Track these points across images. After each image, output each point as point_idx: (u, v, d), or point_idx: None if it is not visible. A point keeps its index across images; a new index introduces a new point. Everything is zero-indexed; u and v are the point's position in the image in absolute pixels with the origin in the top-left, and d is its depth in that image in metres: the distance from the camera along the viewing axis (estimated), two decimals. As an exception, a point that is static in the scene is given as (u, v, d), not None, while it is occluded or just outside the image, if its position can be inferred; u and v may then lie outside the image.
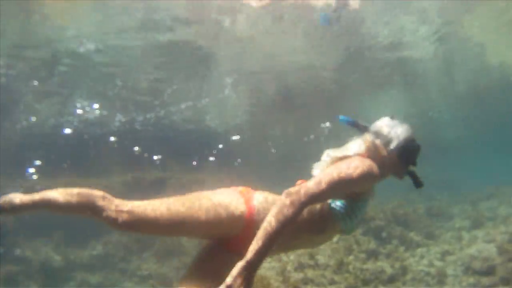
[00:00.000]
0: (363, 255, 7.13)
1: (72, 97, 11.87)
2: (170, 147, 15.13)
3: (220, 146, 17.25)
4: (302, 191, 2.00)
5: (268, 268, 6.57)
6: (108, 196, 2.25)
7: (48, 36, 8.39)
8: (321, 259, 6.74)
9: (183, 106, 13.24)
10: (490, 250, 6.91)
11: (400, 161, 2.30)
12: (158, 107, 13.35)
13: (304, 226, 2.25)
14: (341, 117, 2.44)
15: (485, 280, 6.15)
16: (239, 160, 17.97)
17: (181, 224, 2.19)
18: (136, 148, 14.84)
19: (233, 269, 1.88)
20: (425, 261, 7.33)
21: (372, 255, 7.19)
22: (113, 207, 2.19)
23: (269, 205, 2.17)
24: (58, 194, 2.25)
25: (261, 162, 19.43)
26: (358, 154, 2.22)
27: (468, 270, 6.63)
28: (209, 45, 9.30)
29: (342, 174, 2.07)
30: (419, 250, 7.95)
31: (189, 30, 8.49)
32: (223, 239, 2.28)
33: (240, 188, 2.36)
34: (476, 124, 19.29)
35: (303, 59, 10.80)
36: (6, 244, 9.31)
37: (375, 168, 2.15)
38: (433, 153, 23.38)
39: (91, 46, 9.01)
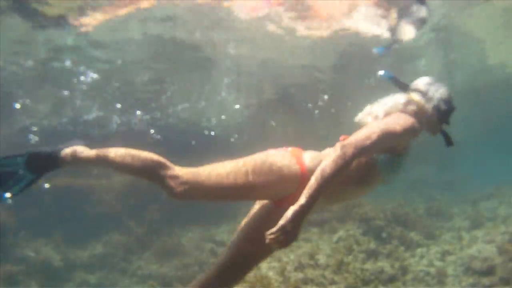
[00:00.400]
0: (363, 255, 7.13)
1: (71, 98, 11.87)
2: (169, 146, 15.11)
3: (220, 146, 17.26)
4: (353, 144, 2.15)
5: (268, 268, 6.57)
6: (168, 164, 2.32)
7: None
8: (321, 259, 6.74)
9: (180, 107, 13.25)
10: (490, 250, 6.91)
11: (438, 119, 2.44)
12: (156, 109, 13.38)
13: (351, 178, 2.38)
14: (383, 72, 2.56)
15: (485, 280, 6.15)
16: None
17: (239, 189, 2.29)
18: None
19: (286, 212, 2.04)
20: (425, 261, 7.33)
21: (372, 255, 7.19)
22: (172, 177, 2.26)
23: (319, 162, 2.24)
24: (118, 155, 2.32)
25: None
26: (400, 111, 2.37)
27: (468, 270, 6.63)
28: (208, 47, 9.31)
29: (389, 128, 2.23)
30: (419, 250, 7.94)
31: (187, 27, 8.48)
32: (276, 199, 2.39)
33: (290, 149, 2.48)
34: (476, 124, 19.30)
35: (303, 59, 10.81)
36: (6, 244, 9.32)
37: (416, 124, 2.30)
38: (433, 153, 23.38)
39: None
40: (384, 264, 6.72)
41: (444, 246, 8.03)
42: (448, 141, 2.53)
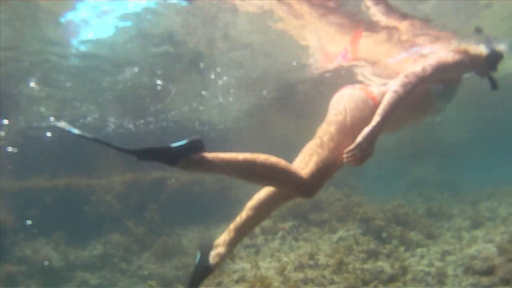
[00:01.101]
0: (363, 255, 7.13)
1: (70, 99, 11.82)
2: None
3: (220, 145, 17.25)
4: (414, 74, 2.57)
5: (268, 268, 6.58)
6: (297, 171, 2.42)
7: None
8: (321, 259, 6.75)
9: (185, 108, 13.23)
10: (490, 250, 6.90)
11: (488, 64, 3.04)
12: (156, 111, 13.35)
13: (411, 105, 2.76)
14: None
15: (485, 280, 6.15)
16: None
17: (347, 143, 2.50)
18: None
19: (362, 132, 2.42)
20: (425, 261, 7.33)
21: (372, 255, 7.19)
22: (302, 184, 2.36)
23: (384, 92, 2.67)
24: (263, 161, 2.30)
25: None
26: (459, 50, 2.88)
27: (468, 270, 6.63)
28: (207, 49, 9.24)
29: (442, 60, 2.70)
30: (419, 250, 7.95)
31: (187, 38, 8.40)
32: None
33: (358, 86, 2.82)
34: (476, 124, 19.29)
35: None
36: (6, 244, 9.32)
37: (465, 59, 2.82)
38: (434, 153, 23.41)
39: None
40: (384, 264, 6.71)
41: (444, 246, 8.03)
42: (494, 85, 3.10)
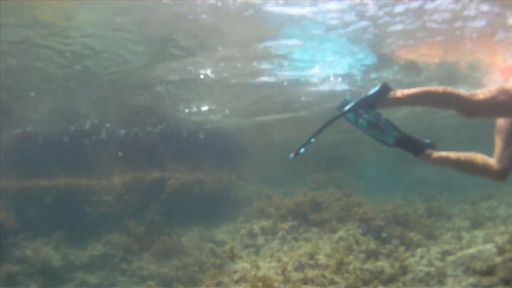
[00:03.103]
0: (363, 255, 7.13)
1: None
2: (169, 147, 15.14)
3: (221, 146, 17.27)
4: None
5: (268, 268, 6.57)
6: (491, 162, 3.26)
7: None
8: (321, 259, 6.74)
9: (185, 110, 13.24)
10: (490, 250, 6.90)
11: None
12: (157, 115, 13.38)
13: None
14: None
15: (485, 280, 6.15)
16: (238, 160, 18.00)
17: None
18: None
19: None
20: (425, 261, 7.33)
21: (372, 255, 7.19)
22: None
23: None
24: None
25: (261, 162, 19.44)
26: None
27: (468, 270, 6.62)
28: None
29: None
30: (419, 250, 7.94)
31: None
32: None
33: None
34: (476, 124, 19.28)
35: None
36: (6, 244, 9.32)
37: None
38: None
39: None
40: (384, 264, 6.71)
41: (444, 246, 8.03)
42: None
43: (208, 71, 9.71)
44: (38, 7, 6.35)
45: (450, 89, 2.91)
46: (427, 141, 3.23)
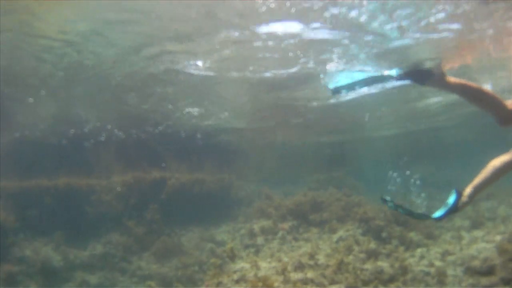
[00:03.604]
0: (363, 255, 7.13)
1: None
2: (170, 147, 15.14)
3: (220, 146, 17.27)
4: None
5: (268, 268, 6.57)
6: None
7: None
8: (321, 259, 6.74)
9: (185, 111, 13.23)
10: (490, 250, 6.91)
11: None
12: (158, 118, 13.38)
13: None
14: None
15: (485, 280, 6.15)
16: (238, 160, 18.00)
17: None
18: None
19: None
20: (425, 261, 7.33)
21: (372, 255, 7.19)
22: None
23: None
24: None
25: (261, 162, 19.43)
26: None
27: (468, 270, 6.63)
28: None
29: None
30: (419, 250, 7.95)
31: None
32: None
33: None
34: (476, 124, 19.28)
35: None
36: (6, 244, 9.32)
37: None
38: (434, 153, 23.40)
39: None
40: (384, 264, 6.72)
41: (444, 246, 8.03)
42: None
43: (209, 72, 9.71)
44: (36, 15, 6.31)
45: (493, 92, 3.14)
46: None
